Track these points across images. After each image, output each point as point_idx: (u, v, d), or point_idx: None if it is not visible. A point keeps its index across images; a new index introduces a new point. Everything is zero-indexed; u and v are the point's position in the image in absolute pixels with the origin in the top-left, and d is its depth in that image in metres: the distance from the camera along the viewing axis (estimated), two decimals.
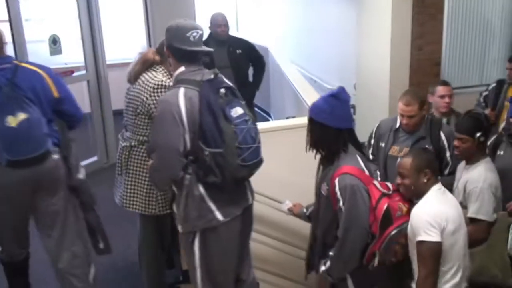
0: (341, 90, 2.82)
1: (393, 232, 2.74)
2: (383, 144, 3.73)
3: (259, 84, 5.93)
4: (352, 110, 6.38)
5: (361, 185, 2.75)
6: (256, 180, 3.77)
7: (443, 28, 5.41)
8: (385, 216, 2.73)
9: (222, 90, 2.84)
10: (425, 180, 2.80)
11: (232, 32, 9.74)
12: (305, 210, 3.32)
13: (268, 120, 8.05)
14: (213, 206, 2.88)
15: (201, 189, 2.85)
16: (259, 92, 6.11)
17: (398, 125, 3.71)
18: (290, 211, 3.43)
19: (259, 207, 4.03)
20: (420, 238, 2.69)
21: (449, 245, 2.73)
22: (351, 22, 6.07)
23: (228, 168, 2.74)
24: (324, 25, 7.28)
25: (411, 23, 5.22)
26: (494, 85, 4.94)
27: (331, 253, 2.88)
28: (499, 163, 3.49)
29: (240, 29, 10.17)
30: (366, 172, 2.82)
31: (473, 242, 3.08)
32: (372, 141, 3.82)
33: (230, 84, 2.98)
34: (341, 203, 2.74)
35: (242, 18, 10.36)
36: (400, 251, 2.81)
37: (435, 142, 3.59)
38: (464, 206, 3.17)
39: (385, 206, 2.73)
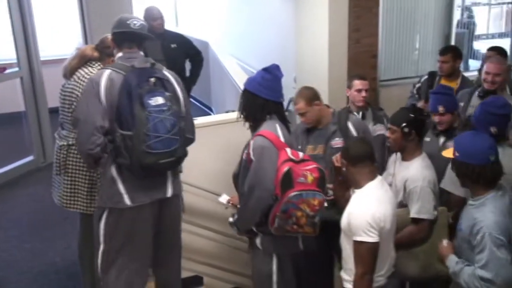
0: (275, 66, 3.11)
1: (292, 195, 2.83)
2: (300, 146, 3.74)
3: (196, 79, 5.89)
4: (292, 103, 6.47)
5: (272, 147, 2.93)
6: (195, 174, 3.78)
7: (379, 21, 5.53)
8: (284, 178, 2.85)
9: (152, 80, 2.93)
10: (362, 170, 2.87)
11: (171, 27, 9.65)
12: None
13: (210, 114, 8.02)
14: (122, 189, 2.97)
15: (114, 170, 2.96)
16: (200, 87, 6.08)
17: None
18: (229, 203, 3.47)
19: (197, 201, 4.04)
20: (359, 239, 2.75)
21: (386, 241, 2.83)
22: (290, 16, 6.12)
23: (134, 152, 2.83)
24: (264, 18, 7.31)
25: (348, 17, 5.31)
26: (426, 77, 5.08)
27: (238, 206, 3.08)
28: (426, 148, 3.56)
29: (180, 23, 10.07)
30: (282, 139, 2.99)
31: (416, 242, 3.19)
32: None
33: (167, 77, 3.05)
34: (252, 163, 2.93)
35: (181, 12, 10.26)
36: (304, 220, 2.88)
37: (344, 133, 3.63)
38: (404, 204, 3.23)
39: (285, 169, 2.85)
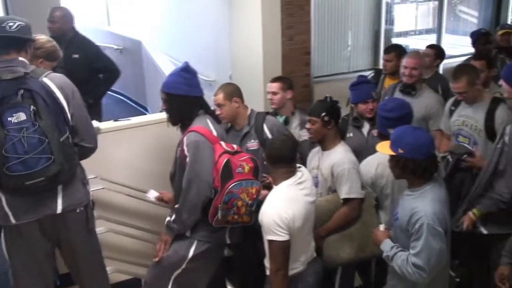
0: (188, 64, 3.19)
1: (232, 185, 2.92)
2: None
3: (97, 95, 5.24)
4: None
5: (206, 142, 2.99)
6: (130, 175, 3.72)
7: (311, 18, 5.61)
8: (224, 169, 2.94)
9: (20, 92, 2.70)
10: (278, 170, 2.95)
11: (103, 26, 9.43)
12: None
13: (145, 114, 7.90)
14: (6, 208, 2.87)
15: None
16: (135, 86, 5.95)
17: (229, 124, 3.80)
18: (157, 199, 3.49)
19: (131, 202, 3.98)
20: (269, 238, 2.83)
21: (297, 238, 2.89)
22: (223, 13, 6.11)
23: None
24: (197, 16, 7.26)
25: (280, 14, 5.35)
26: (372, 74, 5.21)
27: (176, 206, 3.06)
28: (352, 144, 3.68)
29: (112, 22, 9.85)
30: (214, 133, 3.07)
31: (349, 221, 3.33)
32: None
33: (42, 87, 2.78)
34: (188, 158, 2.95)
35: (113, 11, 10.03)
36: (244, 209, 2.98)
37: (259, 135, 3.69)
38: (333, 190, 3.35)
39: (225, 160, 2.94)
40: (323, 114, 3.30)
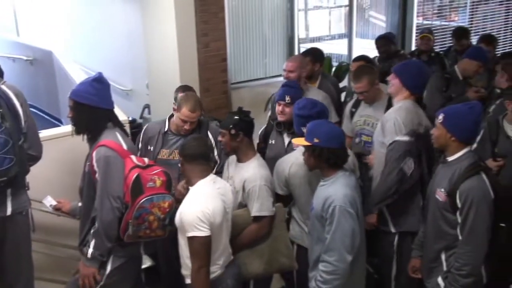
0: (101, 74, 3.11)
1: (143, 200, 2.89)
2: (151, 148, 3.75)
3: None
4: (147, 109, 6.40)
5: (117, 156, 2.94)
6: (42, 189, 3.59)
7: (225, 25, 5.65)
8: (134, 184, 2.90)
9: None
10: (196, 168, 2.98)
11: (12, 36, 9.00)
12: (80, 204, 3.31)
13: (59, 126, 7.63)
14: None
15: None
16: (47, 98, 5.74)
17: (166, 128, 3.76)
18: (53, 208, 3.41)
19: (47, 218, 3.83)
20: (192, 234, 2.83)
21: (217, 236, 2.93)
22: (137, 22, 6.03)
23: None
24: (111, 25, 7.13)
25: (195, 21, 5.36)
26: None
27: (93, 230, 2.99)
28: (271, 152, 3.80)
29: (21, 32, 9.44)
30: (124, 146, 3.02)
31: (260, 238, 3.33)
32: (140, 145, 3.83)
33: (3, 92, 2.98)
34: (97, 174, 2.92)
35: (22, 20, 9.61)
36: (156, 223, 2.96)
37: None
38: (244, 204, 3.34)
39: (135, 175, 2.90)
40: (230, 127, 3.28)
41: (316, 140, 2.93)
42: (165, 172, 3.03)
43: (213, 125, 3.88)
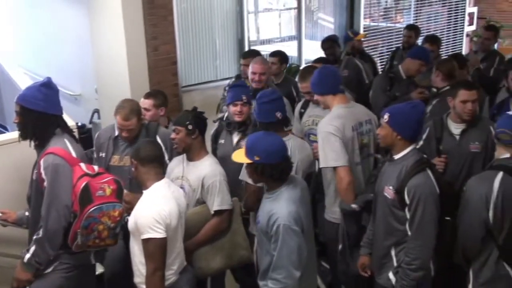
0: (50, 79, 3.07)
1: (92, 210, 2.85)
2: (103, 154, 3.71)
3: None
4: (96, 114, 6.29)
5: (65, 164, 2.90)
6: None
7: (175, 28, 5.62)
8: (83, 193, 2.85)
9: None
10: (151, 170, 2.96)
11: None
12: (27, 213, 3.25)
13: (4, 133, 7.40)
14: None
15: None
16: None
17: (116, 133, 3.72)
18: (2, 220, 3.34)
19: None
20: (147, 236, 2.81)
21: (172, 238, 2.92)
22: (85, 26, 5.93)
23: None
24: (59, 28, 6.97)
25: (143, 25, 5.31)
26: (234, 80, 5.32)
27: (35, 237, 2.93)
28: (220, 151, 3.82)
29: None
30: (73, 154, 2.98)
31: (221, 232, 3.37)
32: (94, 153, 3.81)
33: None
34: (45, 182, 2.87)
35: None
36: (106, 232, 2.93)
37: None
38: (202, 201, 3.36)
39: (83, 184, 2.86)
40: (187, 122, 3.31)
41: (256, 158, 2.84)
42: (115, 180, 2.99)
43: (163, 129, 3.85)
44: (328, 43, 6.00)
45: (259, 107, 3.50)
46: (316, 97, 3.74)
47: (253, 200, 3.33)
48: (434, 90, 4.51)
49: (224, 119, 4.00)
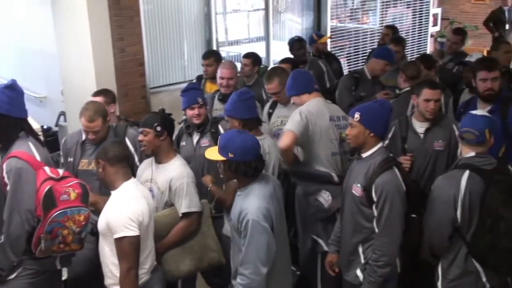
0: (15, 82, 3.04)
1: (56, 214, 2.82)
2: (71, 159, 3.67)
3: None
4: (62, 117, 6.21)
5: (29, 168, 2.86)
6: None
7: (142, 29, 5.59)
8: (46, 198, 2.81)
9: None
10: (119, 170, 2.95)
11: None
12: None
13: None
14: None
15: None
16: None
17: (84, 137, 3.68)
18: None
19: None
20: (121, 234, 2.80)
21: (144, 237, 2.92)
22: (50, 27, 5.84)
23: None
24: (23, 29, 6.86)
25: (110, 26, 5.27)
26: (195, 80, 5.32)
27: None
28: (183, 153, 3.79)
29: None
30: (38, 158, 2.95)
31: (190, 235, 3.35)
32: (62, 158, 3.76)
33: None
34: (8, 187, 2.82)
35: None
36: (71, 237, 2.90)
37: None
38: (170, 204, 3.34)
39: (46, 188, 2.82)
40: (156, 124, 3.28)
41: (231, 155, 2.85)
42: (81, 184, 2.95)
43: (132, 130, 3.82)
44: (298, 43, 6.06)
45: (242, 104, 3.51)
46: (293, 100, 3.81)
47: (233, 198, 3.28)
48: (397, 91, 4.59)
49: (182, 122, 3.99)
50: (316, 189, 3.63)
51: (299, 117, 3.56)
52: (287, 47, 6.11)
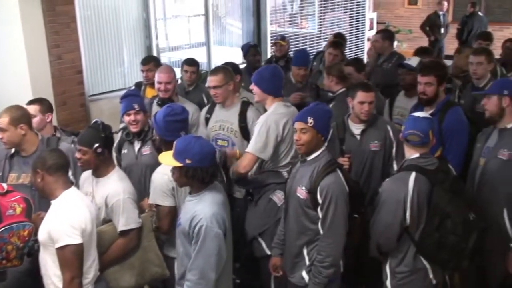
0: None
1: (1, 230, 2.74)
2: (0, 173, 3.53)
3: None
4: None
5: None
6: None
7: (78, 36, 5.47)
8: None
9: None
10: (59, 179, 2.89)
11: None
12: None
13: None
14: None
15: None
16: None
17: (13, 151, 3.54)
18: None
19: None
20: (63, 243, 2.74)
21: (88, 244, 2.87)
22: None
23: None
24: None
25: (45, 33, 5.13)
26: (133, 87, 5.24)
27: None
28: (124, 161, 3.76)
29: None
30: None
31: (129, 252, 3.24)
32: None
33: None
34: None
35: None
36: (14, 253, 2.81)
37: None
38: (108, 220, 3.24)
39: None
40: (96, 145, 3.15)
41: (188, 161, 2.80)
42: (25, 199, 2.85)
43: (65, 144, 3.66)
44: (253, 49, 6.12)
45: (164, 123, 3.32)
46: (255, 91, 3.75)
47: (168, 223, 3.26)
48: (331, 94, 4.67)
49: (120, 130, 3.91)
50: (268, 189, 3.65)
51: (264, 135, 3.59)
52: (229, 52, 6.12)
